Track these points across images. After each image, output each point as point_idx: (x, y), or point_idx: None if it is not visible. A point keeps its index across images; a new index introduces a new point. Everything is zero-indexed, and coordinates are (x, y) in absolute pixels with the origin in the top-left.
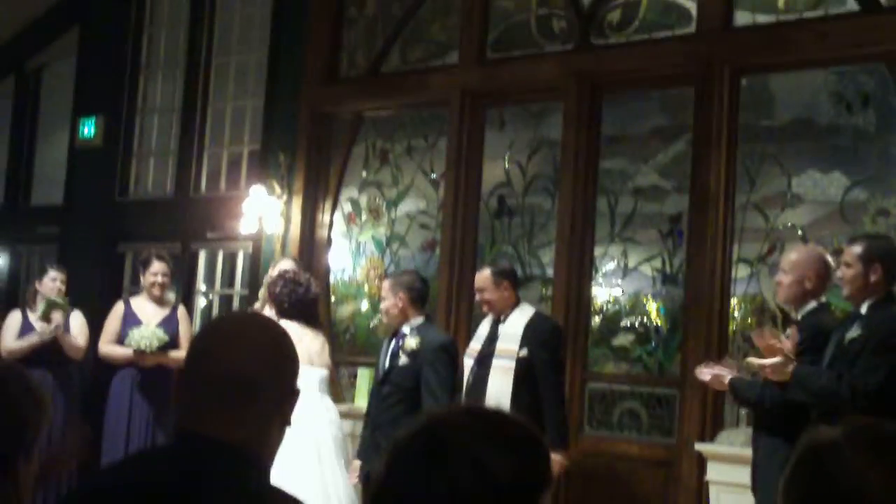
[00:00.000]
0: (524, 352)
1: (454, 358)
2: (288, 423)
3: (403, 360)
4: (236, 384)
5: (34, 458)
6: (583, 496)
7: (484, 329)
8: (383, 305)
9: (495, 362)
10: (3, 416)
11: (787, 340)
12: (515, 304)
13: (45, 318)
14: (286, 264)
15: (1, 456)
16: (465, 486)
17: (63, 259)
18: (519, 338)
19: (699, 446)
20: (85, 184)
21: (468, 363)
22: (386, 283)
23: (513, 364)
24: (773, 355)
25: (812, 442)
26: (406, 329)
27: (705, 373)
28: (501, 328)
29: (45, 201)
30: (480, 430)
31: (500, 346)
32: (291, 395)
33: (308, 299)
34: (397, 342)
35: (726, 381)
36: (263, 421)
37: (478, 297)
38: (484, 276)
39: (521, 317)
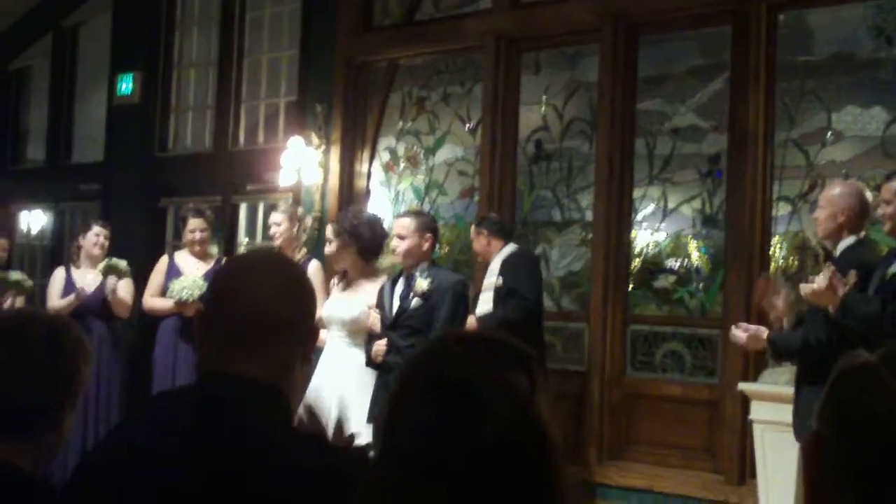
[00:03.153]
0: (499, 281)
1: (466, 297)
2: (309, 360)
3: (416, 301)
4: (262, 321)
5: (75, 405)
6: (626, 437)
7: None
8: (405, 245)
9: (482, 295)
10: (58, 366)
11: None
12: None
13: (105, 275)
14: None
15: (54, 404)
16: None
17: (105, 215)
18: (497, 271)
19: (742, 385)
20: (124, 140)
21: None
22: (409, 223)
23: (491, 294)
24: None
25: (848, 364)
26: (418, 271)
27: (740, 336)
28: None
29: (86, 159)
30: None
31: (486, 280)
32: (312, 332)
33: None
34: (406, 284)
35: (763, 336)
36: (289, 358)
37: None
38: (474, 230)
39: (503, 252)
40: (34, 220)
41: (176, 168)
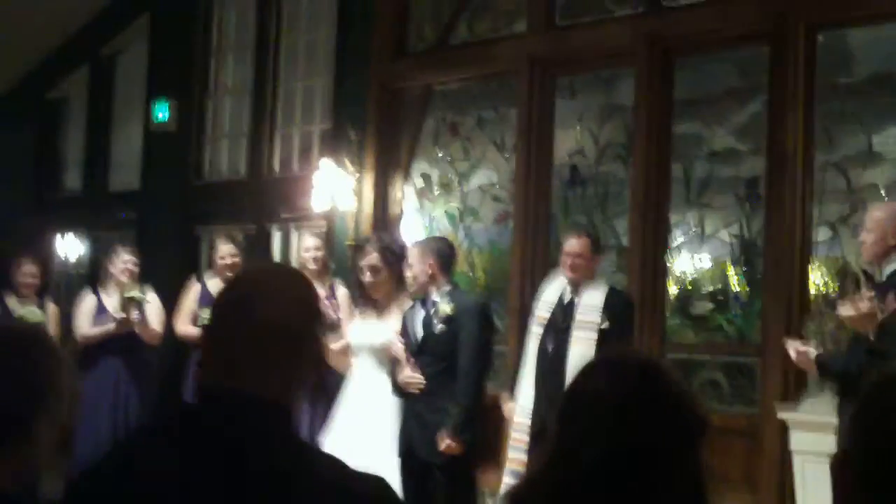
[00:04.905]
0: (606, 324)
1: (490, 320)
2: (318, 377)
3: (439, 327)
4: (276, 334)
5: (57, 424)
6: None
7: (552, 296)
8: (412, 272)
9: (576, 333)
10: (24, 377)
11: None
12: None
13: (124, 310)
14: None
15: (20, 418)
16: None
17: (141, 243)
18: (600, 308)
19: (782, 413)
20: (160, 168)
21: (537, 331)
22: (414, 250)
23: (595, 335)
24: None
25: (878, 379)
26: (436, 296)
27: (792, 348)
28: (580, 299)
29: (122, 187)
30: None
31: (581, 317)
32: (322, 348)
33: None
34: (427, 310)
35: (812, 356)
36: (299, 375)
37: (570, 261)
38: (585, 242)
39: (598, 289)
40: (70, 248)
41: (210, 196)
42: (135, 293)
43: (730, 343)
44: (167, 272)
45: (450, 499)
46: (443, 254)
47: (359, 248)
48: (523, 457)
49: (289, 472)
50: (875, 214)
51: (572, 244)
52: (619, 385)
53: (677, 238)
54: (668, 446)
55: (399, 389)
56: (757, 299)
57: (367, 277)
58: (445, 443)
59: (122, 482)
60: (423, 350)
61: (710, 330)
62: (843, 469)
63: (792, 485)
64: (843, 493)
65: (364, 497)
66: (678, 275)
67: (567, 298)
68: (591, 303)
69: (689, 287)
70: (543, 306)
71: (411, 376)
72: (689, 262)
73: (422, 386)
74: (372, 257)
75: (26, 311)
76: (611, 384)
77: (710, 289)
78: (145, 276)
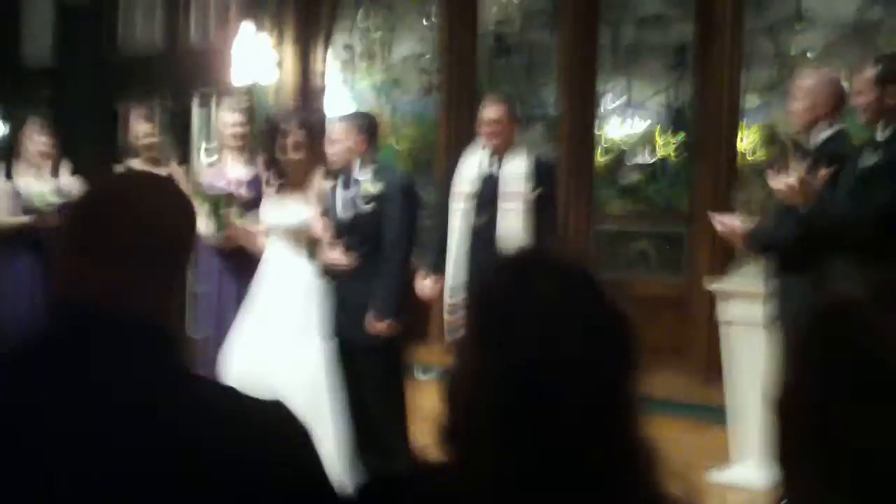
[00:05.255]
0: (534, 193)
1: (416, 196)
2: (184, 281)
3: (365, 206)
4: (141, 241)
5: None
6: None
7: (473, 171)
8: (336, 149)
9: (504, 204)
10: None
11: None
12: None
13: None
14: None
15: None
16: None
17: (57, 121)
18: (526, 179)
19: (710, 285)
20: (74, 43)
21: (462, 207)
22: (337, 125)
23: (522, 206)
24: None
25: (833, 300)
26: (360, 174)
27: (718, 222)
28: (504, 170)
29: (36, 63)
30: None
31: (507, 188)
32: (189, 251)
33: None
34: (349, 188)
35: (739, 229)
36: (165, 286)
37: (489, 129)
38: (502, 108)
39: (522, 158)
40: None
41: (127, 70)
42: (42, 199)
43: (659, 213)
44: (85, 150)
45: (379, 380)
46: (368, 130)
47: (274, 125)
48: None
49: (160, 401)
50: (805, 83)
51: (489, 111)
52: (566, 295)
53: (606, 106)
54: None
55: (324, 271)
56: (686, 168)
57: (290, 155)
58: (373, 325)
59: None
60: (349, 230)
61: (639, 200)
62: (791, 407)
63: (719, 354)
64: (787, 435)
65: (261, 426)
66: (607, 144)
67: (489, 170)
68: (516, 172)
69: (618, 157)
70: (465, 182)
71: (337, 257)
72: (617, 130)
73: (348, 267)
74: (296, 134)
75: None
76: (553, 292)
77: (639, 158)
78: (63, 155)
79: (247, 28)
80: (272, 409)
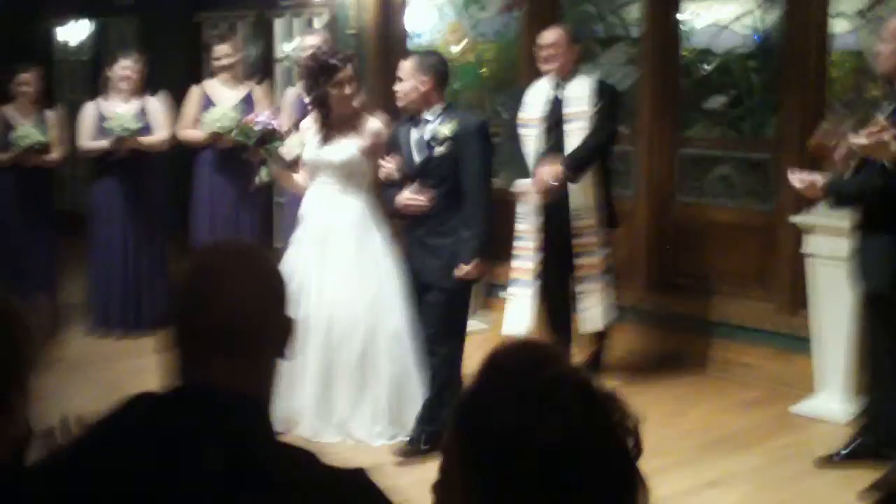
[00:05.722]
0: (595, 109)
1: (490, 139)
2: (285, 356)
3: (439, 149)
4: (241, 329)
5: (28, 389)
6: (675, 264)
7: (538, 96)
8: (403, 87)
9: (569, 126)
10: (4, 357)
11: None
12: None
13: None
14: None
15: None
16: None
17: (143, 31)
18: (587, 97)
19: (795, 218)
20: None
21: (529, 132)
22: (406, 64)
23: (588, 124)
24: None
25: None
26: (430, 115)
27: (797, 179)
28: (567, 92)
29: None
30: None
31: (570, 109)
32: (288, 329)
33: None
34: (422, 132)
35: (820, 185)
36: (266, 363)
37: (545, 53)
38: (558, 33)
39: (584, 80)
40: (72, 35)
41: None
42: (124, 121)
43: (744, 139)
44: (168, 61)
45: (448, 312)
46: (437, 71)
47: (321, 61)
48: (528, 265)
49: (247, 470)
50: (892, 25)
51: (545, 37)
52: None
53: (690, 29)
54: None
55: (397, 212)
56: (773, 94)
57: (342, 91)
58: (463, 270)
59: (73, 478)
60: (422, 172)
61: (724, 125)
62: None
63: (804, 284)
64: None
65: (342, 497)
66: (691, 67)
67: (553, 94)
68: (579, 94)
69: (702, 80)
70: (530, 108)
71: (413, 198)
72: (702, 53)
73: (423, 208)
74: (346, 69)
75: (24, 130)
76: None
77: (724, 82)
78: (145, 73)
79: None
80: (352, 479)
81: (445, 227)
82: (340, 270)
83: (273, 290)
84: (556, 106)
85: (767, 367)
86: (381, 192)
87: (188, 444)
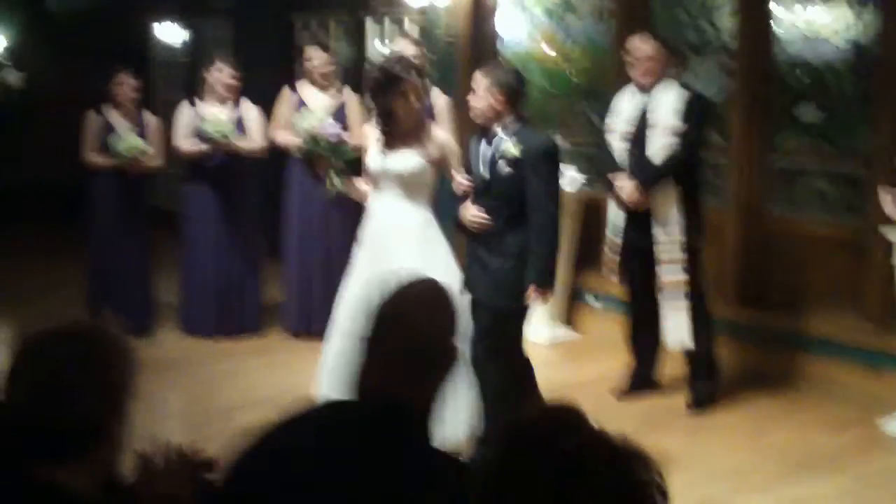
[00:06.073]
0: (681, 122)
1: (558, 162)
2: (448, 378)
3: (505, 169)
4: (426, 347)
5: (125, 414)
6: (764, 278)
7: (627, 104)
8: (476, 101)
9: (651, 136)
10: (96, 383)
11: None
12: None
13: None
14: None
15: (100, 422)
16: None
17: (237, 33)
18: (674, 110)
19: (883, 228)
20: None
21: (612, 140)
22: (481, 78)
23: (670, 137)
24: None
25: None
26: (502, 133)
27: (887, 201)
28: (654, 101)
29: None
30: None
31: (656, 118)
32: (454, 356)
33: None
34: (492, 148)
35: None
36: (434, 383)
37: (636, 63)
38: (648, 43)
39: (674, 91)
40: (168, 35)
41: None
42: (219, 125)
43: (837, 152)
44: (263, 63)
45: (496, 332)
46: (512, 88)
47: (387, 72)
48: (680, 276)
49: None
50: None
51: (634, 44)
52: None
53: (786, 39)
54: None
55: (461, 227)
56: (868, 108)
57: (412, 101)
58: (530, 292)
59: (280, 480)
60: (486, 190)
61: (817, 137)
62: None
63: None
64: None
65: None
66: (785, 77)
67: (640, 102)
68: (666, 104)
69: (796, 91)
70: (617, 115)
71: (477, 216)
72: (796, 65)
73: (484, 226)
74: (412, 81)
75: (127, 140)
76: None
77: (819, 93)
78: (243, 68)
79: None
80: None
81: (503, 247)
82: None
83: (450, 323)
84: (643, 114)
85: (858, 385)
86: (453, 205)
87: (380, 448)
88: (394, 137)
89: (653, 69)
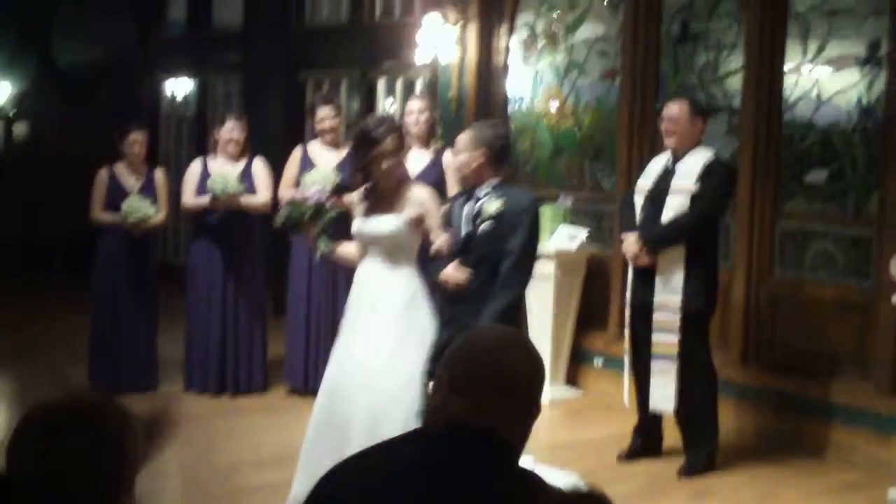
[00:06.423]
0: (697, 187)
1: (538, 221)
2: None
3: (485, 225)
4: (517, 384)
5: (133, 487)
6: (772, 339)
7: (657, 165)
8: (458, 160)
9: (670, 199)
10: (109, 459)
11: None
12: (696, 144)
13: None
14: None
15: (108, 497)
16: None
17: (246, 87)
18: (696, 175)
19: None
20: (262, 11)
21: (638, 200)
22: (464, 137)
23: (687, 201)
24: None
25: None
26: (482, 191)
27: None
28: (679, 165)
29: (228, 20)
30: None
31: (677, 182)
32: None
33: None
34: (473, 205)
35: None
36: (528, 422)
37: (668, 126)
38: (682, 107)
39: (700, 156)
40: (178, 89)
41: (313, 40)
42: (224, 186)
43: (845, 215)
44: (272, 120)
45: None
46: (495, 145)
47: (365, 134)
48: (671, 338)
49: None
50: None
51: (670, 109)
52: None
53: (792, 101)
54: None
55: (439, 286)
56: (875, 169)
57: (381, 165)
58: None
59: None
60: (464, 248)
61: (826, 200)
62: None
63: None
64: None
65: None
66: (792, 140)
67: (667, 166)
68: (689, 169)
69: (804, 154)
70: (645, 176)
71: (454, 274)
72: (804, 126)
73: (461, 285)
74: (388, 143)
75: (133, 204)
76: None
77: (826, 156)
78: (253, 126)
79: (430, 6)
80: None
81: (482, 307)
82: (383, 345)
83: (538, 366)
84: (667, 178)
85: (865, 450)
86: (429, 265)
87: (477, 472)
88: (375, 199)
89: (681, 134)
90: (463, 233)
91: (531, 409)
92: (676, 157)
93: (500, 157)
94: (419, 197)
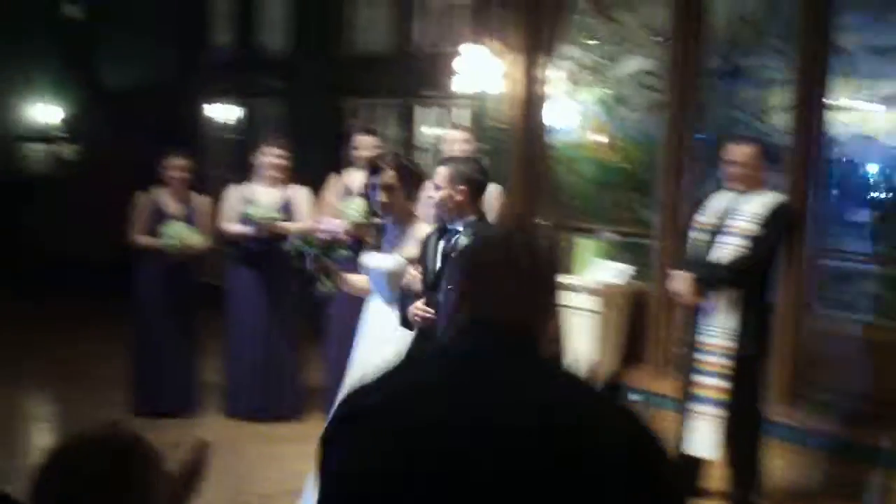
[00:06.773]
0: (761, 230)
1: None
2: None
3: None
4: (538, 279)
5: None
6: (813, 380)
7: (718, 203)
8: (438, 195)
9: (728, 238)
10: (128, 496)
11: None
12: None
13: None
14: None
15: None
16: None
17: (290, 113)
18: (761, 217)
19: None
20: (308, 35)
21: (693, 235)
22: (443, 170)
23: (746, 242)
24: None
25: None
26: (459, 226)
27: None
28: (744, 206)
29: (270, 47)
30: None
31: (739, 223)
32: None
33: None
34: (448, 241)
35: None
36: (550, 313)
37: (729, 169)
38: (745, 150)
39: (764, 198)
40: (220, 113)
41: (356, 68)
42: (262, 214)
43: (890, 254)
44: (312, 146)
45: None
46: (474, 181)
47: (373, 165)
48: (713, 381)
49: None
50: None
51: (731, 151)
52: None
53: (839, 137)
54: None
55: (407, 322)
56: None
57: (381, 197)
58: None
59: (406, 409)
60: (435, 283)
61: (871, 238)
62: None
63: None
64: None
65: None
66: (838, 176)
67: (730, 205)
68: (752, 210)
69: (850, 191)
70: (705, 213)
71: (422, 309)
72: (850, 163)
73: (431, 320)
74: (388, 175)
75: (174, 230)
76: None
77: (873, 194)
78: (295, 156)
79: (472, 36)
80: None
81: None
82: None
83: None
84: (727, 216)
85: None
86: (402, 300)
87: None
88: (388, 233)
89: (745, 178)
90: (433, 268)
91: (550, 297)
92: (739, 198)
93: (479, 194)
94: (420, 233)
